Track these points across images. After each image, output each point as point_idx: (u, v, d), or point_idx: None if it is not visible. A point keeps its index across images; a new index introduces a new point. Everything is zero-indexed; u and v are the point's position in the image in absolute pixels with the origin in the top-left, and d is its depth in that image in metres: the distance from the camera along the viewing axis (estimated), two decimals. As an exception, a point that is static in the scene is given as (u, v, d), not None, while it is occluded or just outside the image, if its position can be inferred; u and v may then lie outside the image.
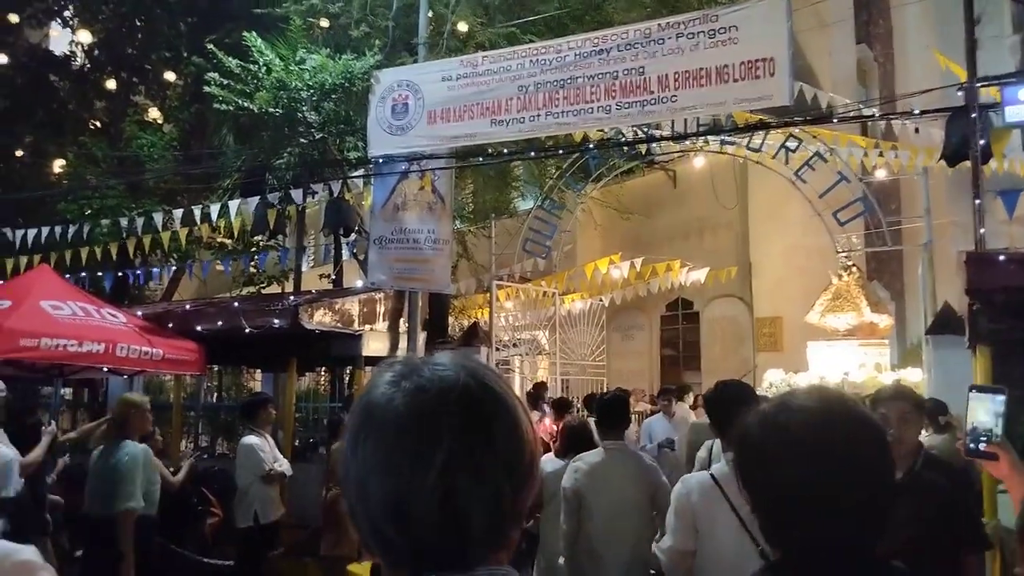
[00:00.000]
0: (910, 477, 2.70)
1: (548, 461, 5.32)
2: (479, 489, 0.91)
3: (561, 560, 4.33)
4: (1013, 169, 11.21)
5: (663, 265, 16.21)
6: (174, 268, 13.49)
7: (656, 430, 9.00)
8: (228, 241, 13.79)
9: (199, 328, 8.94)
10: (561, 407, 9.41)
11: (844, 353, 11.57)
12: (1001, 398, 1.84)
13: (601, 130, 10.94)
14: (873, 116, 10.45)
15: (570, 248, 14.74)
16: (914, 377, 10.61)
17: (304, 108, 10.99)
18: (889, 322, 12.20)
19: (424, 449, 0.90)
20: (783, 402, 1.34)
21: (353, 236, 11.85)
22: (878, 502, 1.24)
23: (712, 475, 2.94)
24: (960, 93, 7.28)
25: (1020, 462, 1.83)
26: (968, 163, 7.21)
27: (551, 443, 6.77)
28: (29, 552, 1.60)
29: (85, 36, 15.29)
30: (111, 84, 15.12)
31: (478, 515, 0.91)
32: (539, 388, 11.47)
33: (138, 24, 15.19)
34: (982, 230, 6.66)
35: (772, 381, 11.72)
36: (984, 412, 1.85)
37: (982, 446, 1.85)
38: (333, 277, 13.00)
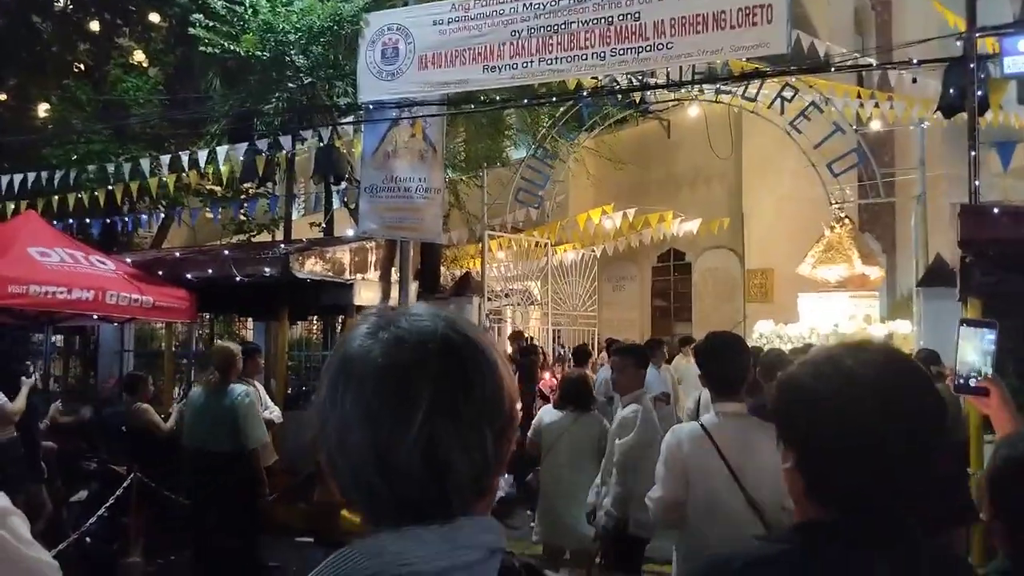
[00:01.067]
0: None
1: (547, 412, 5.34)
2: (460, 438, 0.91)
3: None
4: (1008, 122, 11.13)
5: (655, 216, 16.16)
6: (163, 215, 13.34)
7: (651, 382, 8.99)
8: (217, 188, 13.62)
9: (189, 276, 8.90)
10: (581, 357, 9.41)
11: (834, 304, 11.63)
12: (992, 332, 1.79)
13: (595, 78, 10.79)
14: (871, 66, 10.33)
15: (563, 198, 14.68)
16: (904, 329, 10.70)
17: (292, 51, 10.78)
18: (880, 274, 12.24)
19: (405, 399, 0.90)
20: (834, 353, 1.27)
21: (343, 184, 11.73)
22: (934, 460, 1.21)
23: (702, 425, 2.96)
24: (959, 43, 7.17)
25: (1010, 399, 1.79)
26: (963, 115, 7.15)
27: (550, 395, 6.80)
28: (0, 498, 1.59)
29: (67, -23, 14.88)
30: (94, 26, 14.76)
31: (460, 464, 0.91)
32: (517, 337, 11.43)
33: (121, -37, 14.77)
34: (977, 182, 6.63)
35: (762, 332, 11.79)
36: (974, 347, 1.79)
37: (972, 382, 1.79)
38: (324, 226, 12.90)
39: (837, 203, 12.04)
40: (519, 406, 1.00)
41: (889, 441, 1.18)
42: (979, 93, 6.65)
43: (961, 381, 1.81)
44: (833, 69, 9.70)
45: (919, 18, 14.63)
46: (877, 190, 12.20)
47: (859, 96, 12.00)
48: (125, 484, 6.70)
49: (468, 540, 0.90)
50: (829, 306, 11.65)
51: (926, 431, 1.21)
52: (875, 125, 12.83)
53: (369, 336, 0.95)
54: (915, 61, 7.95)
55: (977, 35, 6.78)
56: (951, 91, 6.91)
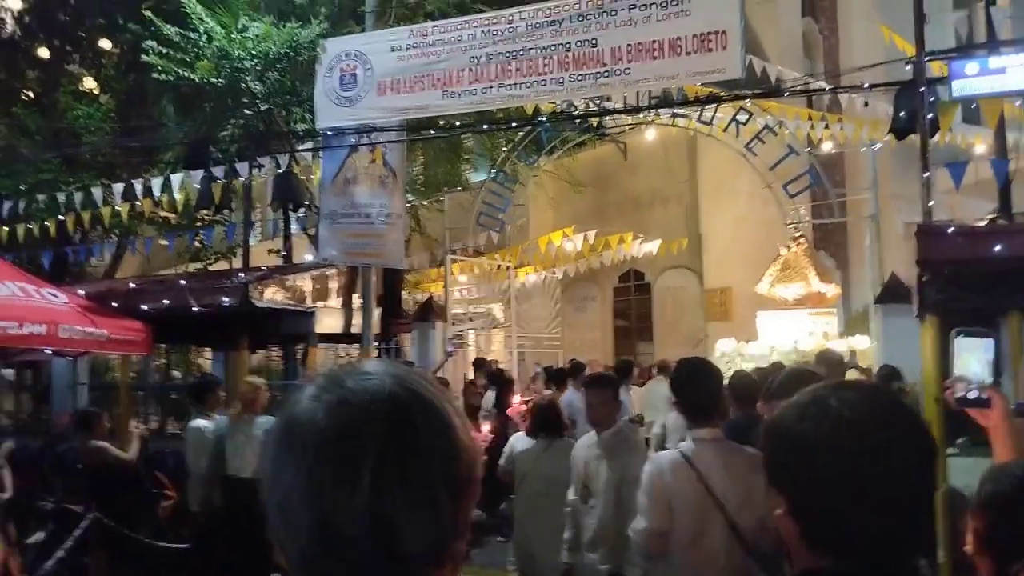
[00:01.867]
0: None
1: (518, 440, 5.29)
2: (411, 503, 0.85)
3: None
4: (954, 141, 11.48)
5: (616, 237, 16.29)
6: (116, 244, 13.07)
7: (623, 403, 8.97)
8: (172, 216, 13.40)
9: (145, 307, 8.69)
10: (557, 378, 9.32)
11: (793, 322, 11.81)
12: (990, 342, 1.73)
13: (553, 103, 10.87)
14: (823, 90, 10.57)
15: (523, 221, 14.72)
16: (862, 344, 10.91)
17: (248, 78, 10.69)
18: (836, 291, 12.47)
19: (348, 464, 0.84)
20: (819, 395, 1.26)
21: (302, 211, 11.62)
22: (929, 497, 1.21)
23: (682, 452, 2.96)
24: (908, 67, 7.37)
25: (1011, 412, 1.75)
26: (913, 136, 7.35)
27: (521, 422, 6.74)
28: None
29: (15, 2, 14.60)
30: (43, 52, 14.50)
31: (412, 533, 0.84)
32: (480, 364, 11.38)
33: (71, -11, 14.55)
34: (931, 203, 6.80)
35: (724, 351, 11.92)
36: (974, 358, 1.72)
37: (972, 394, 1.72)
38: (283, 253, 12.75)
39: (792, 223, 12.25)
40: (480, 463, 0.93)
41: (881, 482, 1.16)
42: (929, 116, 6.84)
43: (961, 395, 1.74)
44: (787, 94, 9.91)
45: (865, 42, 15.08)
46: (831, 210, 12.45)
47: (810, 119, 12.28)
48: (84, 524, 6.49)
49: None
50: (788, 323, 11.83)
51: (918, 468, 1.20)
52: (826, 147, 13.14)
53: (313, 399, 0.89)
54: (866, 85, 8.15)
55: (926, 59, 6.97)
56: (902, 114, 7.09)
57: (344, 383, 0.90)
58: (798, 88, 10.04)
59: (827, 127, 12.02)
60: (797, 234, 12.25)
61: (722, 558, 2.83)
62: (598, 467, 4.19)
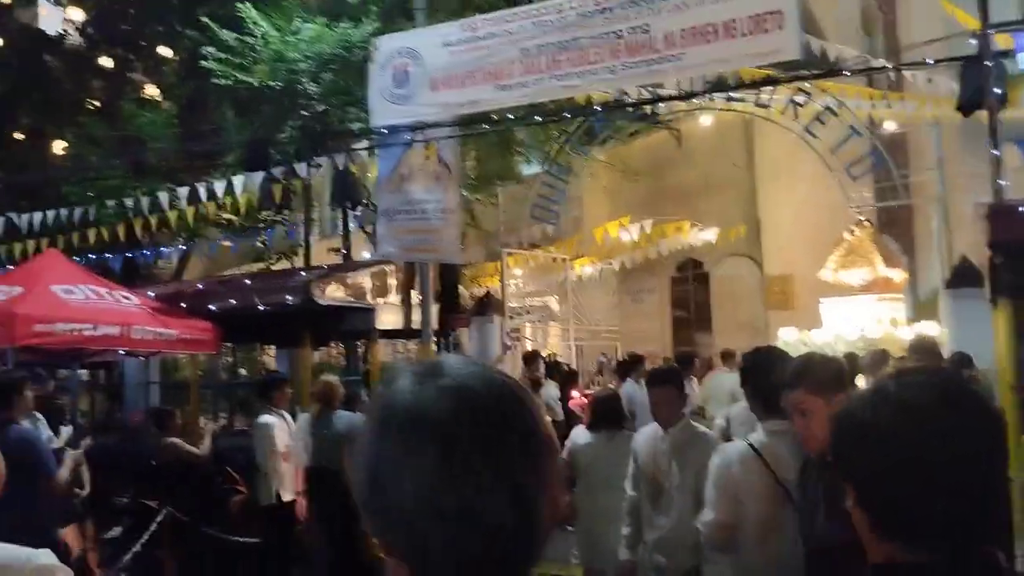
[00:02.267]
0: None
1: (579, 434, 5.27)
2: (542, 484, 0.88)
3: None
4: (1022, 116, 11.03)
5: (672, 226, 16.11)
6: (182, 247, 13.44)
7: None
8: (235, 218, 13.72)
9: (212, 307, 8.93)
10: (625, 369, 9.25)
11: (858, 308, 11.51)
12: None
13: (606, 92, 10.78)
14: (886, 68, 10.25)
15: (578, 213, 14.64)
16: (931, 331, 10.57)
17: (303, 79, 10.85)
18: (903, 276, 12.13)
19: (489, 449, 0.87)
20: (885, 383, 1.25)
21: (360, 209, 11.76)
22: (1001, 483, 1.19)
23: (751, 444, 2.91)
24: (972, 41, 7.11)
25: None
26: (979, 112, 7.09)
27: (580, 413, 6.71)
28: (45, 555, 1.64)
29: (77, 14, 15.08)
30: (106, 62, 14.94)
31: (541, 505, 0.89)
32: (532, 358, 11.28)
33: (129, -1, 14.97)
34: (1001, 181, 6.55)
35: (786, 340, 11.69)
36: None
37: None
38: (343, 251, 12.94)
39: (856, 207, 11.94)
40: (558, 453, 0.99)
41: (946, 468, 1.14)
42: (997, 91, 6.59)
43: None
44: (848, 73, 9.63)
45: (925, 16, 14.59)
46: (895, 192, 12.10)
47: (871, 98, 11.95)
48: (158, 519, 6.70)
49: None
50: (853, 310, 11.53)
51: (986, 454, 1.18)
52: (889, 126, 12.77)
53: (425, 387, 0.90)
54: (930, 61, 7.88)
55: (991, 31, 6.72)
56: (969, 89, 6.84)
57: (450, 372, 0.92)
58: (859, 67, 9.75)
59: (889, 106, 11.69)
60: (861, 217, 11.94)
61: (792, 551, 2.78)
62: (669, 465, 4.04)
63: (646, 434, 4.31)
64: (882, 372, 3.32)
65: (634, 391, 8.35)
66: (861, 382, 5.08)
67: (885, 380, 1.27)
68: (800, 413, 2.57)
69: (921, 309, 13.44)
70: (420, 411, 0.89)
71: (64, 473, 6.09)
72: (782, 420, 2.88)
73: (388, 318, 9.89)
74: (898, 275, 11.82)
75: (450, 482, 0.86)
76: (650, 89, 10.85)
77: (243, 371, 13.70)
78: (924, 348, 4.87)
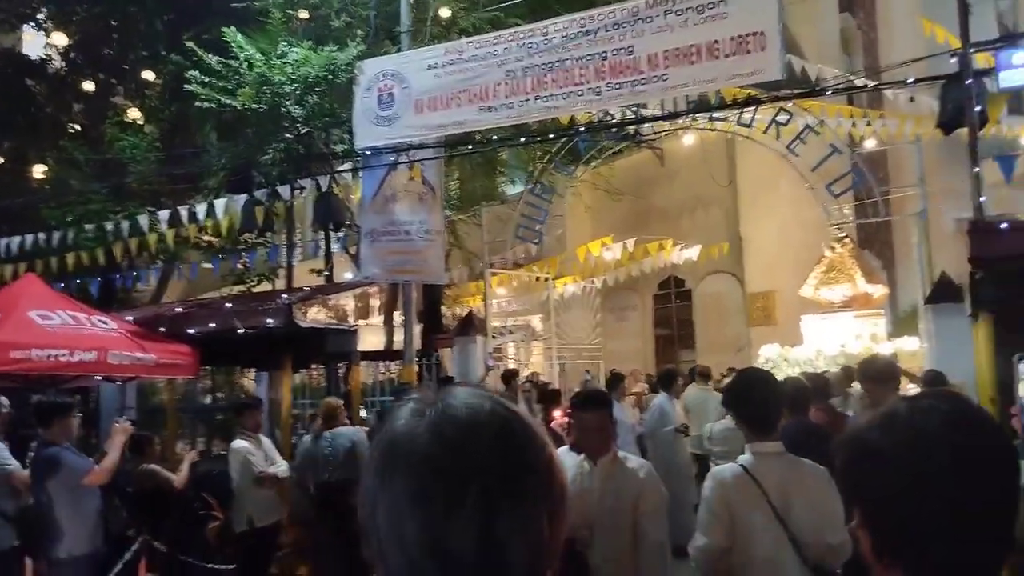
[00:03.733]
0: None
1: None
2: (517, 518, 0.86)
3: None
4: (1000, 133, 11.18)
5: (655, 244, 16.16)
6: (161, 270, 13.32)
7: (668, 413, 8.85)
8: (215, 240, 13.62)
9: (191, 331, 8.82)
10: (607, 388, 9.15)
11: (839, 325, 11.57)
12: None
13: (590, 112, 10.84)
14: (866, 87, 10.37)
15: (561, 232, 14.66)
16: (911, 346, 10.63)
17: (288, 102, 10.82)
18: (884, 292, 12.20)
19: (459, 483, 0.85)
20: (894, 406, 1.24)
21: (343, 230, 11.72)
22: (1011, 511, 1.16)
23: (743, 466, 2.88)
24: (952, 60, 7.21)
25: None
26: (957, 130, 7.17)
27: (564, 436, 6.64)
28: None
29: (60, 39, 15.00)
30: (89, 86, 14.86)
31: (517, 546, 0.86)
32: (510, 377, 11.15)
33: (113, 24, 14.89)
34: (982, 198, 6.61)
35: (768, 356, 11.72)
36: None
37: None
38: (326, 272, 12.87)
39: (836, 223, 12.03)
40: (567, 484, 0.95)
41: (955, 492, 1.12)
42: (978, 109, 6.67)
43: None
44: (829, 92, 9.73)
45: (905, 35, 14.81)
46: (876, 209, 12.20)
47: (852, 116, 12.07)
48: (134, 547, 6.56)
49: None
50: (834, 326, 11.59)
51: (996, 477, 1.15)
52: (869, 144, 12.89)
53: (414, 415, 0.91)
54: (911, 80, 7.97)
55: (972, 51, 6.81)
56: (950, 107, 6.93)
57: (446, 400, 0.92)
58: (840, 86, 9.85)
59: (869, 124, 11.80)
60: (841, 234, 12.02)
61: (784, 573, 2.75)
62: (600, 505, 3.44)
63: (568, 467, 3.44)
64: (847, 389, 3.32)
65: (615, 410, 8.29)
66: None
67: (896, 403, 1.25)
68: None
69: (901, 324, 13.52)
70: (399, 442, 0.90)
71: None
72: (772, 440, 2.85)
73: (371, 339, 9.86)
74: (878, 291, 11.89)
75: (409, 505, 0.86)
76: (633, 109, 10.91)
77: (221, 395, 13.54)
78: (876, 371, 4.24)
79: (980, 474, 1.14)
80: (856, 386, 6.82)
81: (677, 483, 8.02)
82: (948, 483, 1.13)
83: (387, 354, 10.98)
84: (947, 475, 1.13)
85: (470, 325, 11.45)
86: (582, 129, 11.08)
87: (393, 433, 0.91)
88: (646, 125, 12.36)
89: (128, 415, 10.69)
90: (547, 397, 9.49)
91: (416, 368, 10.29)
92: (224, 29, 10.76)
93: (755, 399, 2.97)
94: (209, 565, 7.16)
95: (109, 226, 11.12)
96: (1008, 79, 6.63)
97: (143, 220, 10.95)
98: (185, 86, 11.13)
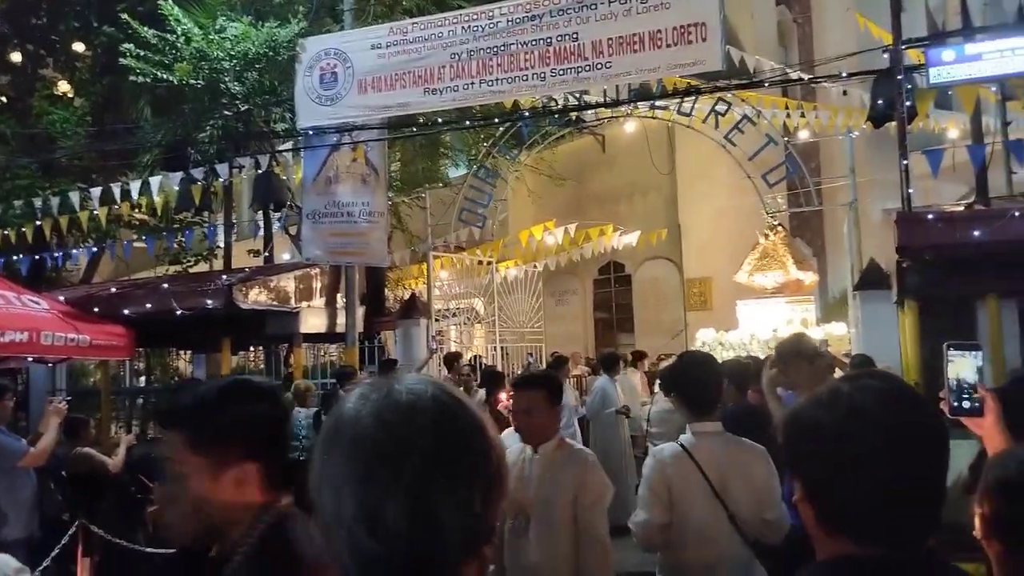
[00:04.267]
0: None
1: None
2: (450, 493, 0.91)
3: None
4: (927, 127, 11.61)
5: (596, 230, 16.35)
6: (93, 249, 12.92)
7: (610, 395, 9.01)
8: (150, 219, 13.26)
9: (127, 311, 8.63)
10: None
11: (772, 310, 11.91)
12: (979, 354, 1.82)
13: (534, 97, 10.88)
14: (802, 80, 10.66)
15: (504, 216, 14.69)
16: (839, 331, 11.02)
17: (227, 79, 10.56)
18: (814, 279, 12.58)
19: (394, 461, 0.91)
20: (835, 385, 1.31)
21: (284, 211, 11.54)
22: (942, 481, 1.24)
23: (683, 445, 2.99)
24: (885, 55, 7.47)
25: (1002, 417, 1.81)
26: (887, 123, 7.44)
27: (507, 415, 6.68)
28: (11, 560, 1.66)
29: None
30: (16, 57, 14.25)
31: (452, 526, 0.91)
32: (453, 359, 11.15)
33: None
34: (910, 190, 6.89)
35: (704, 340, 12.00)
36: (966, 369, 1.80)
37: (966, 404, 1.80)
38: (265, 254, 12.67)
39: (770, 212, 12.35)
40: (506, 464, 1.01)
41: (891, 466, 1.20)
42: (908, 103, 6.93)
43: (956, 404, 1.81)
44: (768, 84, 9.97)
45: (839, 30, 15.22)
46: (808, 198, 12.56)
47: (787, 107, 12.38)
48: (70, 532, 6.43)
49: None
50: (767, 312, 11.93)
51: (928, 453, 1.24)
52: (803, 135, 13.25)
53: (360, 399, 0.97)
54: (845, 74, 8.23)
55: (903, 47, 7.06)
56: (880, 102, 7.18)
57: (390, 386, 0.97)
58: (778, 78, 10.10)
59: (803, 116, 12.12)
60: (775, 222, 12.35)
61: (722, 550, 2.87)
62: (540, 493, 3.20)
63: (511, 451, 3.26)
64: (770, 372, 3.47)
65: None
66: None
67: (839, 382, 1.32)
68: None
69: (831, 310, 13.98)
70: (344, 424, 0.96)
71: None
72: (712, 421, 2.96)
73: (313, 322, 9.75)
74: (809, 277, 12.26)
75: (349, 481, 0.92)
76: (576, 95, 10.99)
77: (154, 377, 13.26)
78: (794, 350, 3.73)
79: (912, 447, 1.21)
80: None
81: (618, 464, 8.22)
82: (883, 457, 1.20)
83: (329, 336, 10.87)
84: (881, 449, 1.21)
85: (413, 308, 11.43)
86: (526, 114, 11.11)
87: (339, 415, 0.97)
88: (588, 112, 12.46)
89: (60, 397, 10.43)
90: (491, 379, 9.53)
91: (358, 351, 10.25)
92: (160, 1, 10.44)
93: (694, 381, 3.09)
94: (148, 549, 7.06)
95: (38, 202, 10.75)
96: (938, 75, 6.89)
97: (74, 197, 10.59)
98: (119, 60, 10.77)
